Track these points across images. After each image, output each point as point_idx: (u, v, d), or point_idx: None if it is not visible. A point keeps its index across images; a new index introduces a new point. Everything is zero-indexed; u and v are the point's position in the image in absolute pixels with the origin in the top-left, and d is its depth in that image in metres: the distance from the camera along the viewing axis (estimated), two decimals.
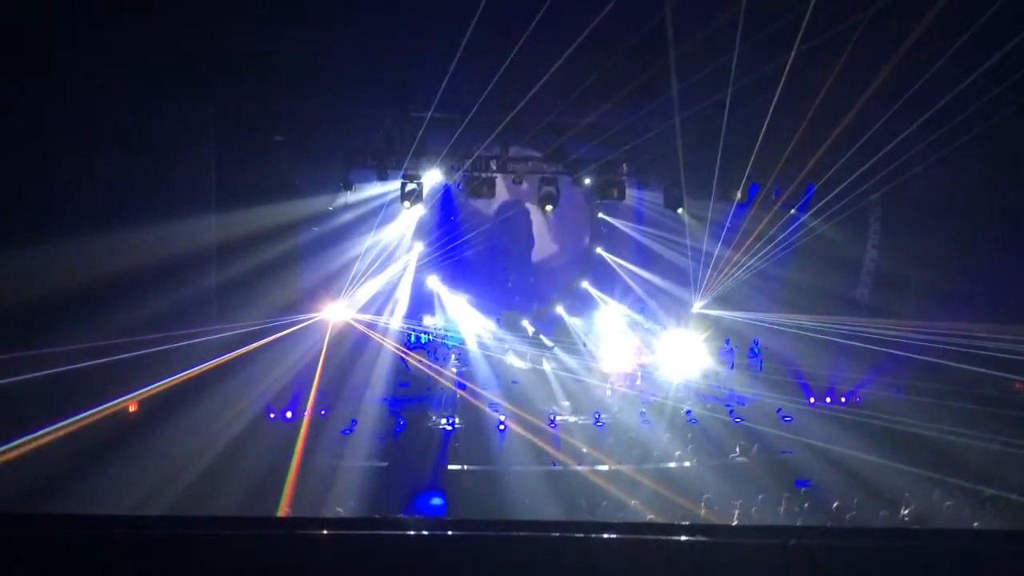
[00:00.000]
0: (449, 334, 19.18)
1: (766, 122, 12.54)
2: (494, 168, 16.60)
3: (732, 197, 16.11)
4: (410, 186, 16.22)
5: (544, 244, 20.54)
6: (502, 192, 18.47)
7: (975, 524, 10.56)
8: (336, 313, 16.85)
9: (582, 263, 20.53)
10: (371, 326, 17.67)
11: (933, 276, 14.97)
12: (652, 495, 12.27)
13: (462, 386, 17.36)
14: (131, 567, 2.15)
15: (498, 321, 19.76)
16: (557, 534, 2.27)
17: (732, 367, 18.39)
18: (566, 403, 17.11)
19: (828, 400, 16.87)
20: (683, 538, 2.24)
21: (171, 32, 10.51)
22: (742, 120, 12.92)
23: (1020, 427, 11.95)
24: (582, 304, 20.10)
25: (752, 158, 14.03)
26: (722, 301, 17.82)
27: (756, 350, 18.58)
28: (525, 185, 17.64)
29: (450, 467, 14.19)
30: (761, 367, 18.41)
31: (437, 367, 17.97)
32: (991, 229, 14.25)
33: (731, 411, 16.27)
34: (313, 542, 2.24)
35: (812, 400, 16.72)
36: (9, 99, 8.74)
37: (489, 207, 19.32)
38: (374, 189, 16.92)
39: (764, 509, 11.32)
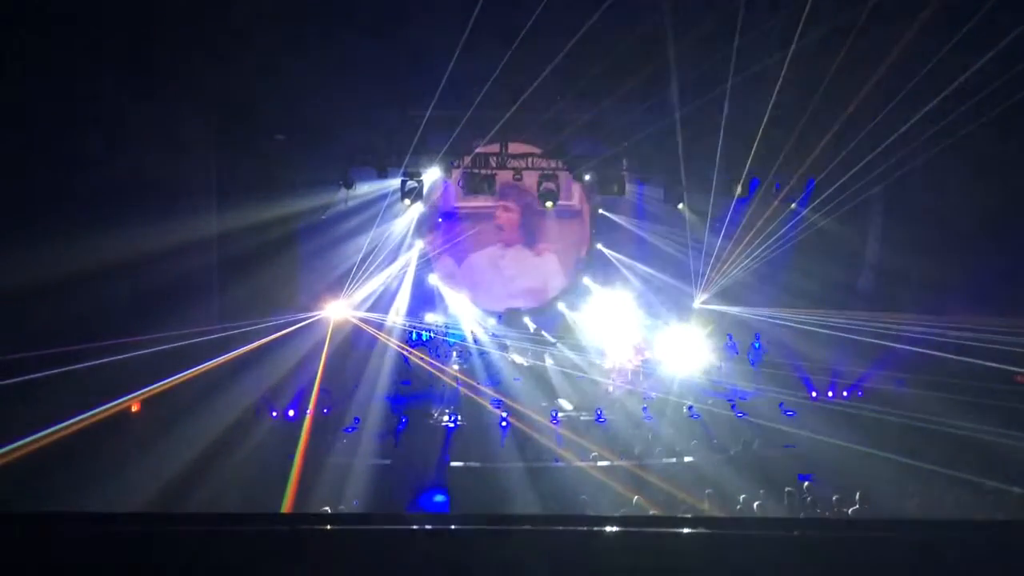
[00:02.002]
0: (450, 331, 19.20)
1: (766, 116, 12.54)
2: (494, 165, 16.62)
3: (732, 192, 16.13)
4: (410, 184, 16.26)
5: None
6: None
7: (977, 517, 10.57)
8: (337, 311, 16.86)
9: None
10: (372, 324, 17.68)
11: (935, 269, 14.95)
12: (655, 490, 12.27)
13: (460, 383, 17.39)
14: (134, 564, 2.16)
15: (499, 318, 19.79)
16: (560, 528, 2.28)
17: (732, 360, 18.39)
18: (567, 405, 17.10)
19: (830, 394, 16.86)
20: (685, 531, 2.25)
21: (172, 30, 10.53)
22: (742, 115, 12.92)
23: (1022, 419, 11.94)
24: (583, 300, 20.11)
25: (752, 153, 14.03)
26: (723, 296, 17.82)
27: (757, 344, 18.57)
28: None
29: (453, 464, 14.19)
30: (759, 361, 18.40)
31: (439, 364, 17.98)
32: (993, 221, 14.24)
33: (733, 406, 16.27)
34: (317, 538, 2.25)
35: (814, 394, 16.71)
36: (7, 93, 8.73)
37: None
38: (374, 187, 16.95)
39: (766, 503, 11.32)
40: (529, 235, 20.36)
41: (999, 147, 12.98)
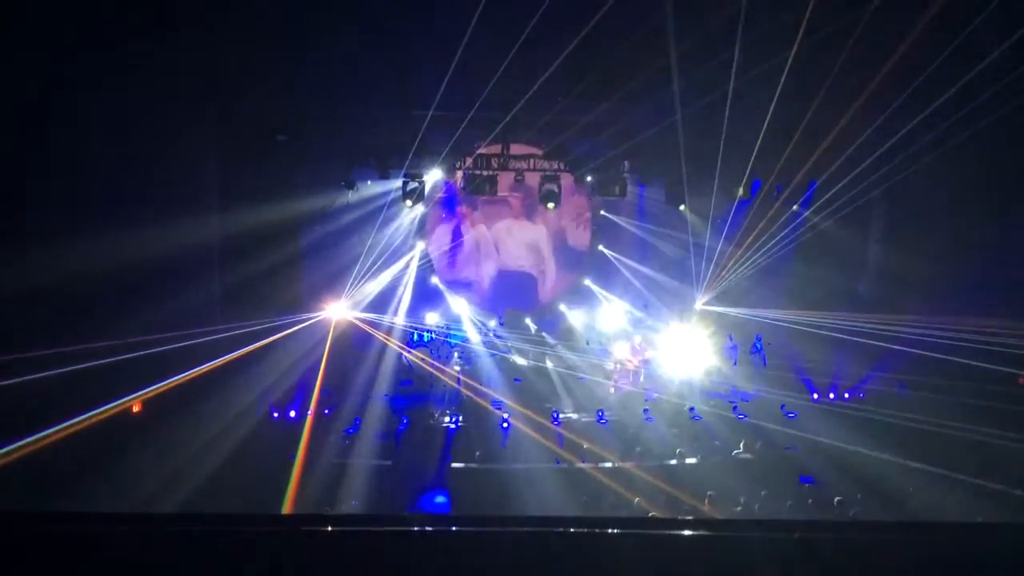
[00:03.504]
0: (452, 332, 19.20)
1: (767, 118, 12.53)
2: (495, 166, 16.63)
3: (734, 194, 16.12)
4: (412, 185, 16.27)
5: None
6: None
7: (978, 519, 10.54)
8: (339, 312, 16.87)
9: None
10: (374, 325, 17.69)
11: (936, 271, 14.94)
12: (655, 492, 12.25)
13: (461, 383, 17.39)
14: (134, 564, 2.15)
15: (500, 319, 19.79)
16: (560, 529, 2.27)
17: (735, 363, 18.39)
18: (569, 406, 17.09)
19: (832, 396, 16.86)
20: (687, 532, 2.25)
21: (174, 32, 10.53)
22: (744, 116, 12.90)
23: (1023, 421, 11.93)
24: (584, 301, 20.12)
25: (754, 155, 14.02)
26: (725, 297, 17.82)
27: (759, 346, 18.56)
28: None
29: (454, 465, 14.18)
30: (764, 363, 18.41)
31: (439, 365, 17.98)
32: (995, 223, 14.22)
33: (734, 407, 16.26)
34: (318, 538, 2.25)
35: (816, 396, 16.71)
36: (9, 93, 8.74)
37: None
38: (376, 188, 16.96)
39: (767, 505, 11.31)
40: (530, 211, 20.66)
41: (1001, 149, 12.97)
